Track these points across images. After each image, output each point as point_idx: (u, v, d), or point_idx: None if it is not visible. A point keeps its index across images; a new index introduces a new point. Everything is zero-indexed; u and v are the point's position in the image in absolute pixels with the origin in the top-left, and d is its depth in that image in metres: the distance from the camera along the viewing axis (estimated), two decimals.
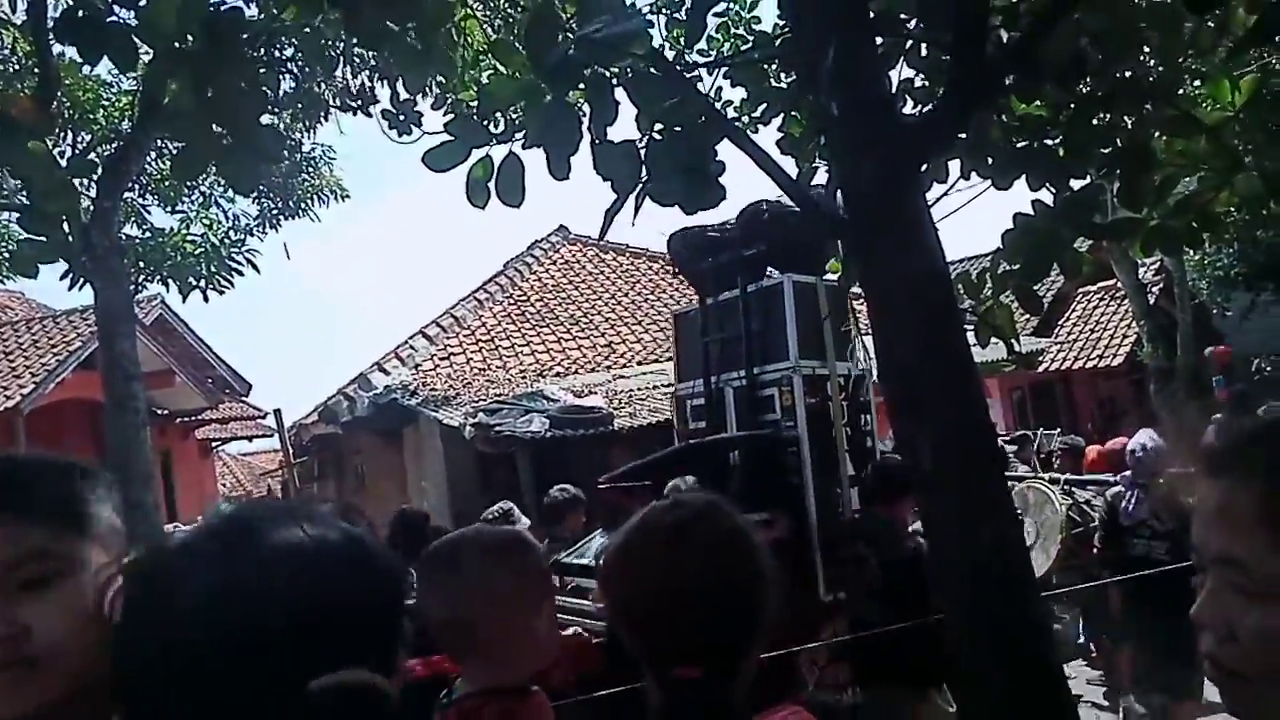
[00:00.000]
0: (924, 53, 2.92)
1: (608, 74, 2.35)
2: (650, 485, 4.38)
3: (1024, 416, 15.39)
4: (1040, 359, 15.09)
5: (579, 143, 2.31)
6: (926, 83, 2.83)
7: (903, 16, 2.74)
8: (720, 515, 1.28)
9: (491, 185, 2.33)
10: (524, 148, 2.31)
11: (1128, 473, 5.09)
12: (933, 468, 2.23)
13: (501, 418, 8.01)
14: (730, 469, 4.61)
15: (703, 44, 4.04)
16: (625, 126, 3.93)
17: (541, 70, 2.22)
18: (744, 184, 2.96)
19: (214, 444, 19.20)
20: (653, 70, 2.43)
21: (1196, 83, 3.06)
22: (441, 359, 10.73)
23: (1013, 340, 2.83)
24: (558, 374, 10.49)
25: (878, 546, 3.96)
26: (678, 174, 2.08)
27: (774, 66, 3.27)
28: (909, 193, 2.38)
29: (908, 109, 3.11)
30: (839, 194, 2.52)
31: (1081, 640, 6.84)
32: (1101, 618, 5.87)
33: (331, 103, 6.21)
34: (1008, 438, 8.32)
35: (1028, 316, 15.15)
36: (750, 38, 3.96)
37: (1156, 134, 2.92)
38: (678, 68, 2.79)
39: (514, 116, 2.49)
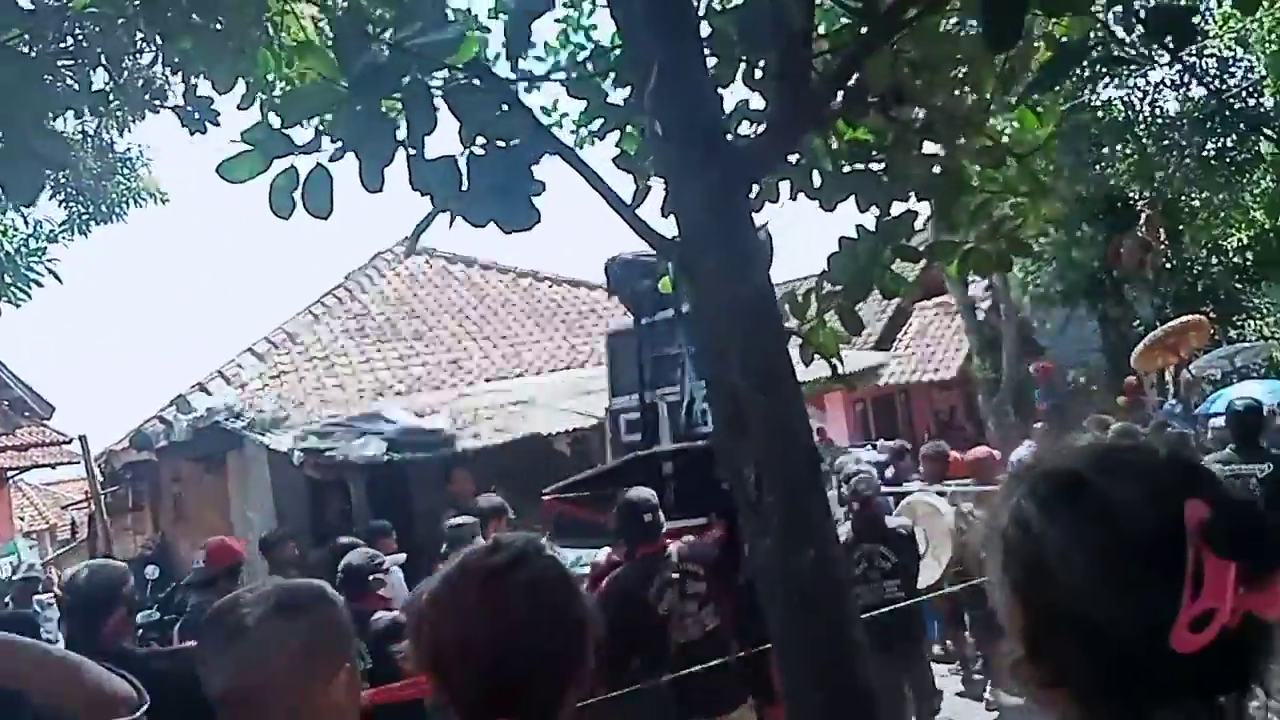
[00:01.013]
0: (759, 74, 2.94)
1: (429, 83, 2.24)
2: (603, 496, 4.46)
3: (866, 428, 16.05)
4: (880, 372, 15.81)
5: (394, 153, 2.18)
6: (763, 104, 2.85)
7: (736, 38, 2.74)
8: (538, 559, 1.22)
9: (298, 196, 2.18)
10: (332, 159, 2.16)
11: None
12: (755, 490, 2.22)
13: (334, 441, 7.60)
14: (667, 478, 4.68)
15: (541, 53, 3.97)
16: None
17: (350, 77, 2.08)
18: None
19: (11, 473, 17.44)
20: (476, 81, 2.33)
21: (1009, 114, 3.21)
22: (272, 378, 10.08)
23: (835, 361, 2.87)
24: (399, 393, 10.07)
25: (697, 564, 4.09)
26: (493, 193, 1.99)
27: (610, 80, 3.22)
28: (737, 214, 2.38)
29: (745, 129, 3.15)
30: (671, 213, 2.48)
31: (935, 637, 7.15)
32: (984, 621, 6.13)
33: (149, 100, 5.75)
34: (892, 447, 8.64)
35: (870, 331, 15.90)
36: (589, 47, 3.90)
37: (971, 161, 3.04)
38: (511, 78, 2.71)
39: (320, 125, 2.32)
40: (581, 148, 3.62)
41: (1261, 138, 15.43)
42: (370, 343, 11.21)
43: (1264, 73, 13.69)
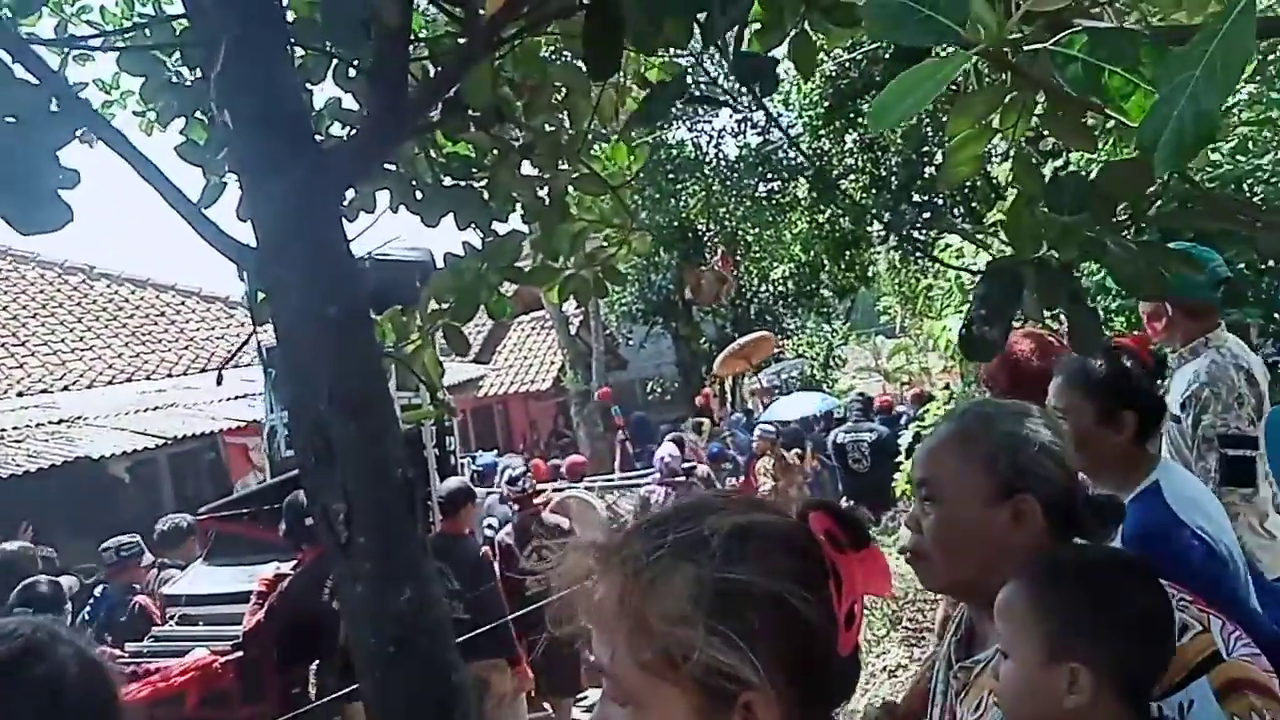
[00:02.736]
0: (351, 73, 2.72)
1: None
2: (266, 512, 4.71)
3: (466, 438, 16.11)
4: (479, 384, 15.98)
5: None
6: (356, 105, 2.64)
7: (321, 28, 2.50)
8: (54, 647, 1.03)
9: None
10: None
11: (657, 474, 7.40)
12: (344, 529, 2.02)
13: None
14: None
15: (97, 17, 3.34)
16: None
17: None
18: None
19: None
20: None
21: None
22: None
23: (436, 386, 2.75)
24: None
25: (450, 559, 4.80)
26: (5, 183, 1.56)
27: (174, 57, 2.78)
28: (324, 223, 2.15)
29: (336, 130, 2.91)
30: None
31: None
32: None
33: None
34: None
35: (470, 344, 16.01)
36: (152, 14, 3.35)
37: (571, 189, 3.11)
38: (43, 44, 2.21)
39: None
40: (150, 133, 3.12)
41: (799, 184, 18.20)
42: None
43: (801, 130, 16.14)
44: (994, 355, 1.37)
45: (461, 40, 2.18)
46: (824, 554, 0.80)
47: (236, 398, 8.27)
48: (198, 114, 2.76)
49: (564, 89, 2.84)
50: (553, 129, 2.75)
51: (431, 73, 2.41)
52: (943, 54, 0.82)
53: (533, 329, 17.64)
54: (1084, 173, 1.30)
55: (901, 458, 7.36)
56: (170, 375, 9.63)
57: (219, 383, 4.74)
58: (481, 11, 2.05)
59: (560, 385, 16.02)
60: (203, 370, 10.05)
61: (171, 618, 4.63)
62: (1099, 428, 1.87)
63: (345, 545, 2.03)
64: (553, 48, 2.57)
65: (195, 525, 5.45)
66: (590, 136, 2.98)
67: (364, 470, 2.03)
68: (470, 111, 2.38)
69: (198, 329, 11.53)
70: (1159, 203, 1.41)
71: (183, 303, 12.25)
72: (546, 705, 5.93)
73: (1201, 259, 2.40)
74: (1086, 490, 1.38)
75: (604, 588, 0.79)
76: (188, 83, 2.79)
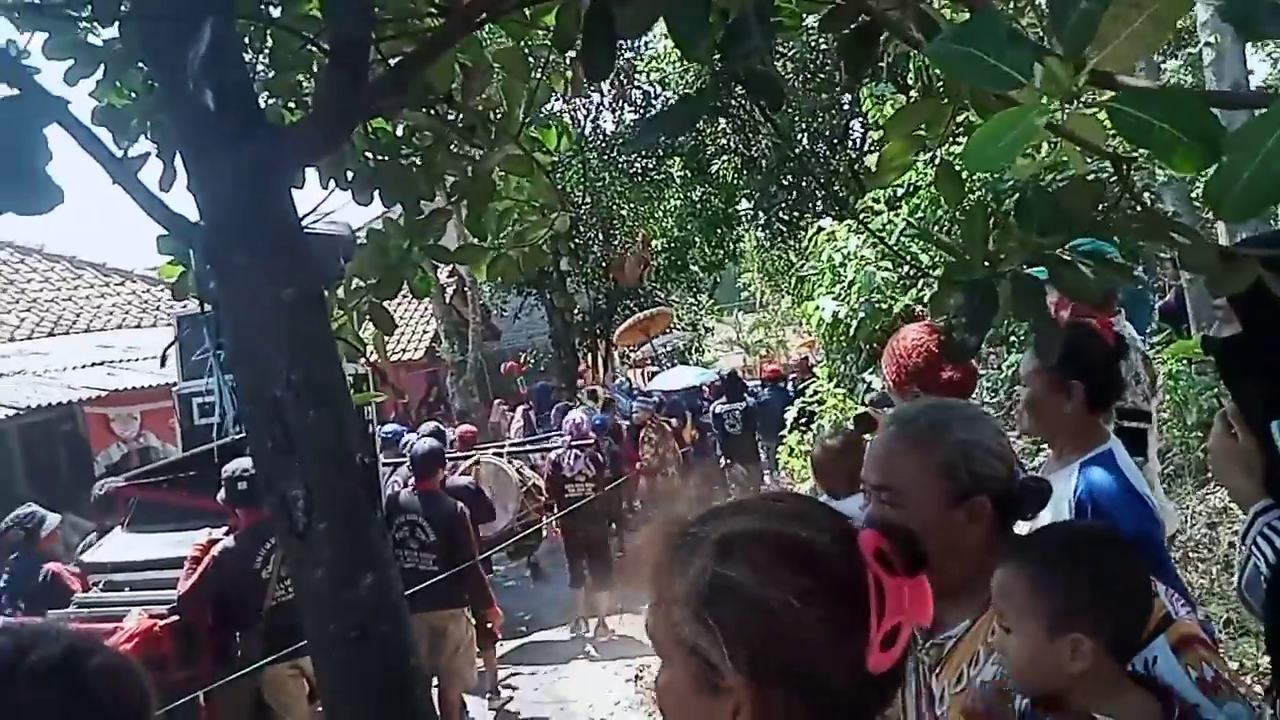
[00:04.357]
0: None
1: None
2: (187, 479, 4.87)
3: None
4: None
5: None
6: (299, 79, 2.55)
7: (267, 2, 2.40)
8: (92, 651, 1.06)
9: None
10: None
11: (567, 437, 7.82)
12: (304, 517, 1.99)
13: None
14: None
15: None
16: None
17: None
18: None
19: None
20: None
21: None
22: None
23: (377, 361, 2.71)
24: None
25: (426, 513, 5.30)
26: None
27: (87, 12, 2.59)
28: (278, 201, 2.09)
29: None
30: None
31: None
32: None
33: None
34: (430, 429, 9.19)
35: None
36: None
37: (502, 168, 3.09)
38: None
39: None
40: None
41: (673, 162, 18.42)
42: None
43: None
44: (971, 358, 1.50)
45: (431, 22, 2.15)
46: (864, 574, 0.82)
47: (94, 365, 7.71)
48: (115, 79, 2.58)
49: (502, 72, 2.83)
50: (499, 112, 2.74)
51: (387, 51, 2.35)
52: None
53: (403, 298, 17.20)
54: (1048, 190, 1.44)
55: (785, 431, 7.84)
56: (13, 340, 8.86)
57: (162, 364, 4.42)
58: None
59: (435, 355, 15.73)
60: (50, 334, 9.30)
61: (96, 584, 4.68)
62: (1050, 395, 2.13)
63: (303, 532, 2.00)
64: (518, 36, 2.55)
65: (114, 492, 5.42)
66: (524, 118, 2.97)
67: (323, 456, 2.01)
68: (428, 94, 2.35)
69: (40, 290, 10.64)
70: (1107, 217, 1.56)
71: (21, 261, 11.29)
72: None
73: (1098, 252, 2.68)
74: (1020, 478, 1.55)
75: (651, 559, 0.90)
76: (99, 42, 2.62)
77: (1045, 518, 2.11)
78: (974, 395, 5.56)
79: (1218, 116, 0.86)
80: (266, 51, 2.45)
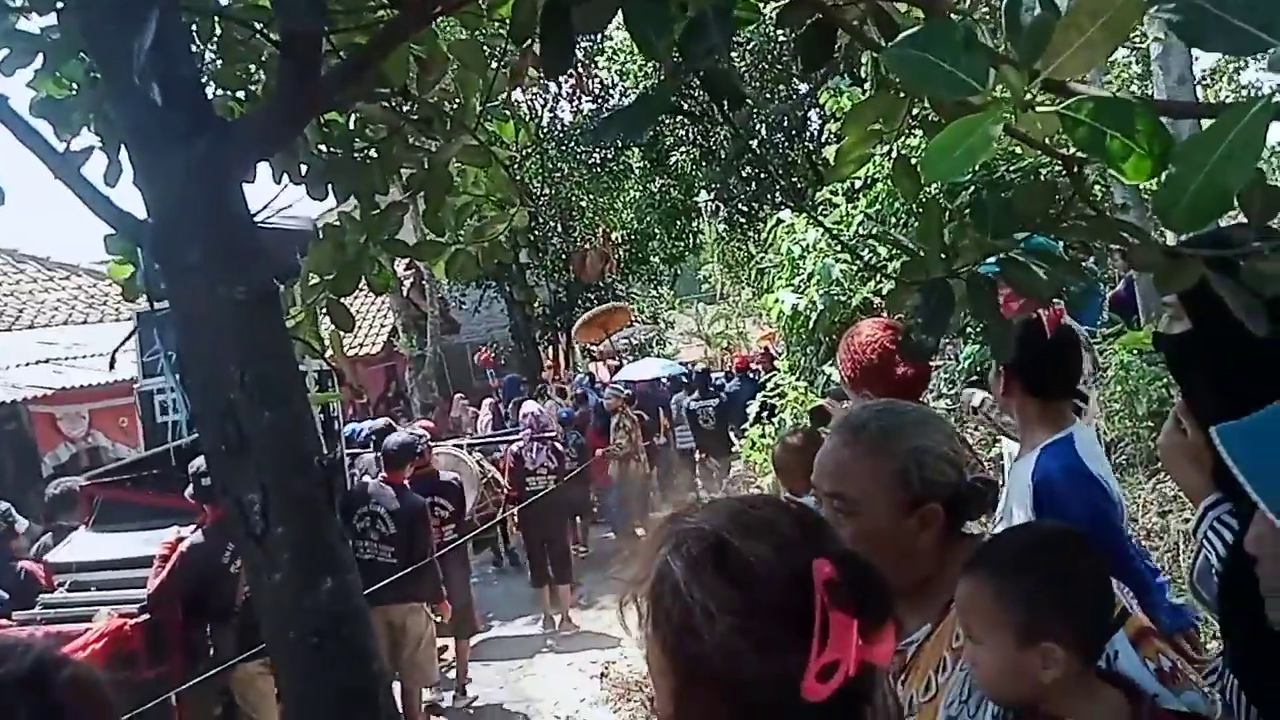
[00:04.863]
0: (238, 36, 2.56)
1: None
2: (150, 478, 4.91)
3: None
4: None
5: None
6: (250, 70, 2.49)
7: None
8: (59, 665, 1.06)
9: None
10: None
11: (528, 431, 7.93)
12: (261, 520, 1.96)
13: None
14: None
15: None
16: None
17: None
18: None
19: None
20: None
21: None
22: None
23: (336, 360, 2.67)
24: None
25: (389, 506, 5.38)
26: None
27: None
28: (229, 197, 2.04)
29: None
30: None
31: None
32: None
33: None
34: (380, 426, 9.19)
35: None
36: None
37: (458, 160, 3.05)
38: None
39: None
40: None
41: (632, 153, 18.38)
42: None
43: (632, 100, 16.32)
44: (930, 357, 1.52)
45: (384, 14, 2.11)
46: (810, 600, 0.82)
47: (40, 362, 7.48)
48: (55, 70, 2.50)
49: (458, 64, 2.79)
50: (456, 104, 2.70)
51: (339, 43, 2.31)
52: None
53: (360, 292, 16.95)
54: (1003, 193, 1.46)
55: (747, 424, 7.89)
56: None
57: (111, 367, 4.30)
58: None
59: (394, 349, 15.56)
60: None
61: (61, 584, 4.66)
62: (999, 386, 2.30)
63: (261, 536, 1.96)
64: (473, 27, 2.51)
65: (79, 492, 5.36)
66: (480, 110, 2.94)
67: (280, 459, 1.97)
68: (382, 87, 2.31)
69: None
70: (1059, 218, 1.58)
71: None
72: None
73: (1046, 248, 2.76)
74: (968, 480, 1.56)
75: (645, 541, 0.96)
76: (36, 30, 2.53)
77: (1014, 505, 2.16)
78: (930, 386, 5.67)
79: (1167, 126, 0.87)
80: (215, 42, 2.38)
